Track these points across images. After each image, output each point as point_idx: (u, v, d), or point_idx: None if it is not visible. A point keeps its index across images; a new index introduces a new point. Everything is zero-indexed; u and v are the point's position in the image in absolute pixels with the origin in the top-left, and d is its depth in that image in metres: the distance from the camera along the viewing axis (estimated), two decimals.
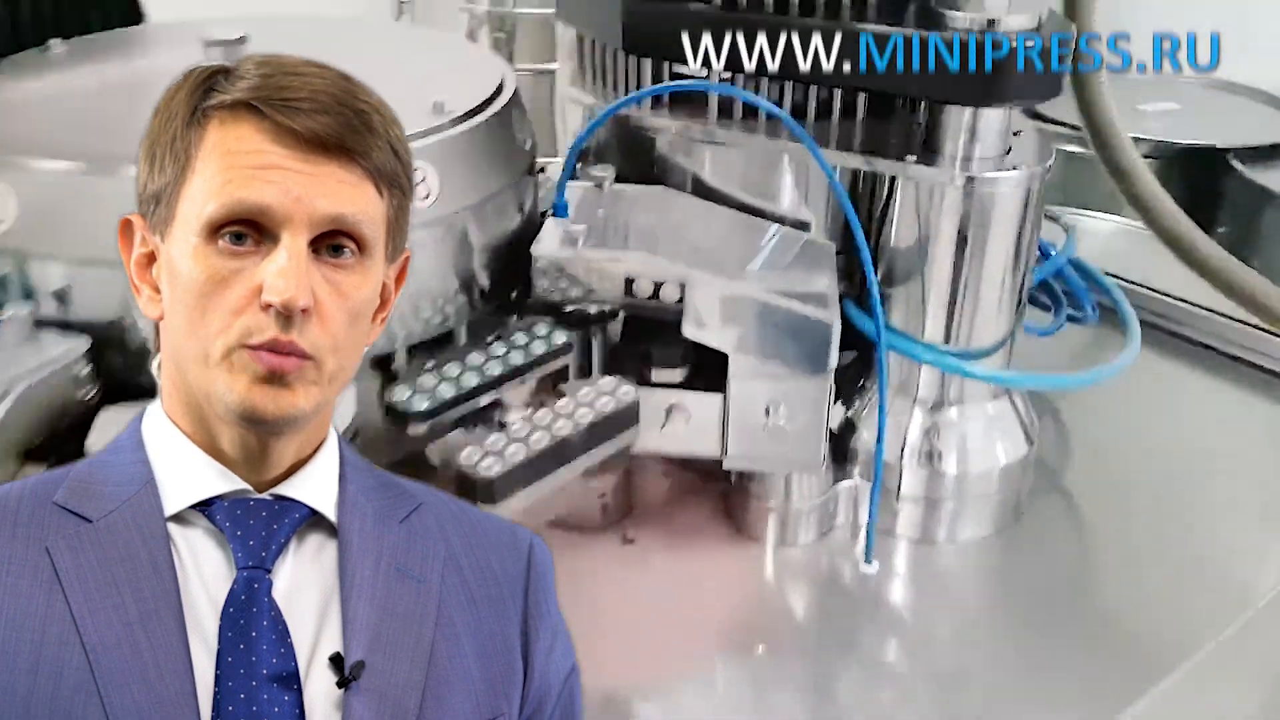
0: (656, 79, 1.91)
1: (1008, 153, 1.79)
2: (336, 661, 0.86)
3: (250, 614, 0.85)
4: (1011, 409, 1.93)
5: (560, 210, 1.81)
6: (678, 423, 1.73)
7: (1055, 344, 2.15)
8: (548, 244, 1.74)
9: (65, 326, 1.45)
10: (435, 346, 1.68)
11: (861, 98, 1.85)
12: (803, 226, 1.90)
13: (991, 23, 1.69)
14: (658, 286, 1.69)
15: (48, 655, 0.81)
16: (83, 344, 1.44)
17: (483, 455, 1.49)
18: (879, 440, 1.78)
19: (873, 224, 1.85)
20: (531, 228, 1.81)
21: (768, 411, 1.72)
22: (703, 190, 1.93)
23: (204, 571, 0.87)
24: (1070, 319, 2.15)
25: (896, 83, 1.74)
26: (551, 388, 1.72)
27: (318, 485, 0.93)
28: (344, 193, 0.85)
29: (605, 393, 1.65)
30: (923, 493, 1.91)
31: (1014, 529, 1.95)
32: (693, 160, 1.93)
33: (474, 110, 1.72)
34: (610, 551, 1.81)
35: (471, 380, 1.59)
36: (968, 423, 1.90)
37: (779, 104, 1.83)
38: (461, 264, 1.71)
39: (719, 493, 1.91)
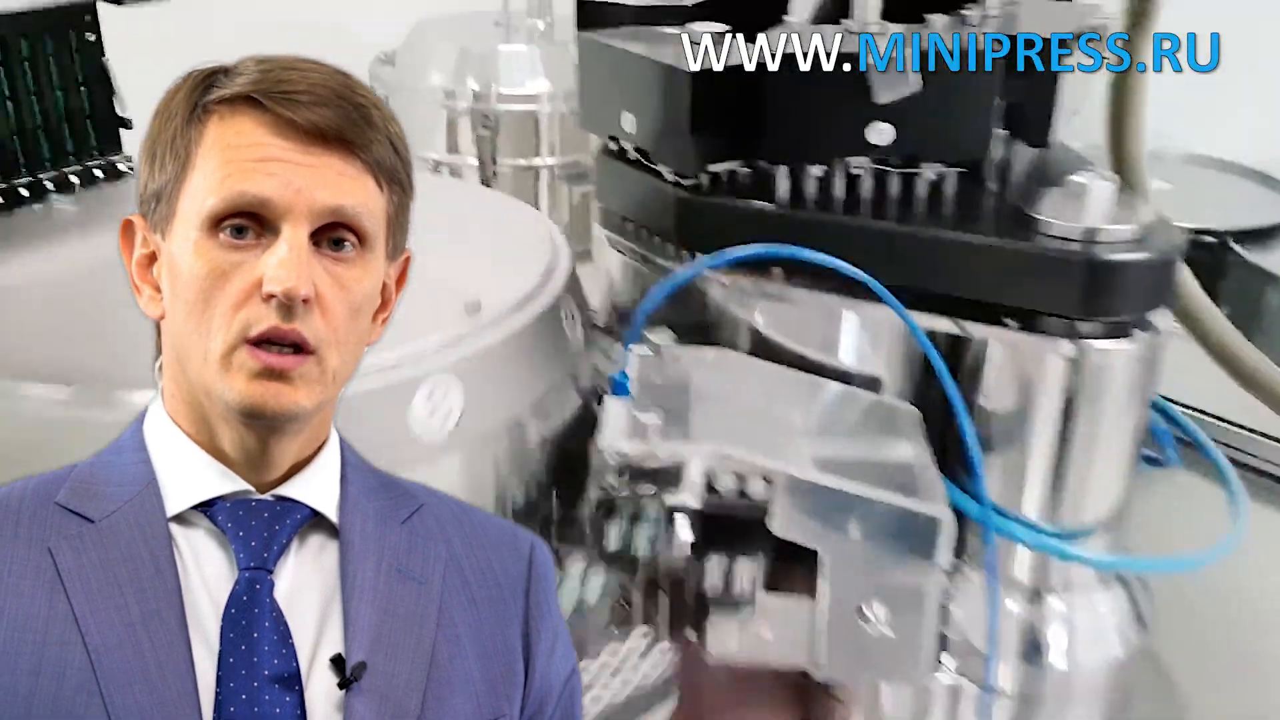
0: None
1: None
2: (338, 662, 0.86)
3: (252, 615, 0.85)
4: (1124, 592, 1.81)
5: (620, 389, 1.66)
6: (760, 629, 1.58)
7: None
8: (614, 435, 1.56)
9: None
10: None
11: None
12: (873, 383, 1.77)
13: (1092, 232, 1.58)
14: (742, 480, 1.55)
15: (50, 656, 0.81)
16: None
17: None
18: (991, 642, 1.65)
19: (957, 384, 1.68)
20: (589, 413, 1.66)
21: (864, 615, 1.59)
22: (759, 342, 1.81)
23: (206, 572, 0.87)
24: (1147, 460, 1.91)
25: (980, 289, 1.63)
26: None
27: (319, 486, 0.93)
28: (344, 185, 0.86)
29: (638, 657, 1.50)
30: (1021, 689, 1.73)
31: None
32: (749, 311, 1.81)
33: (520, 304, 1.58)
34: None
35: None
36: (1075, 612, 1.72)
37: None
38: (519, 470, 1.56)
39: (793, 693, 1.73)
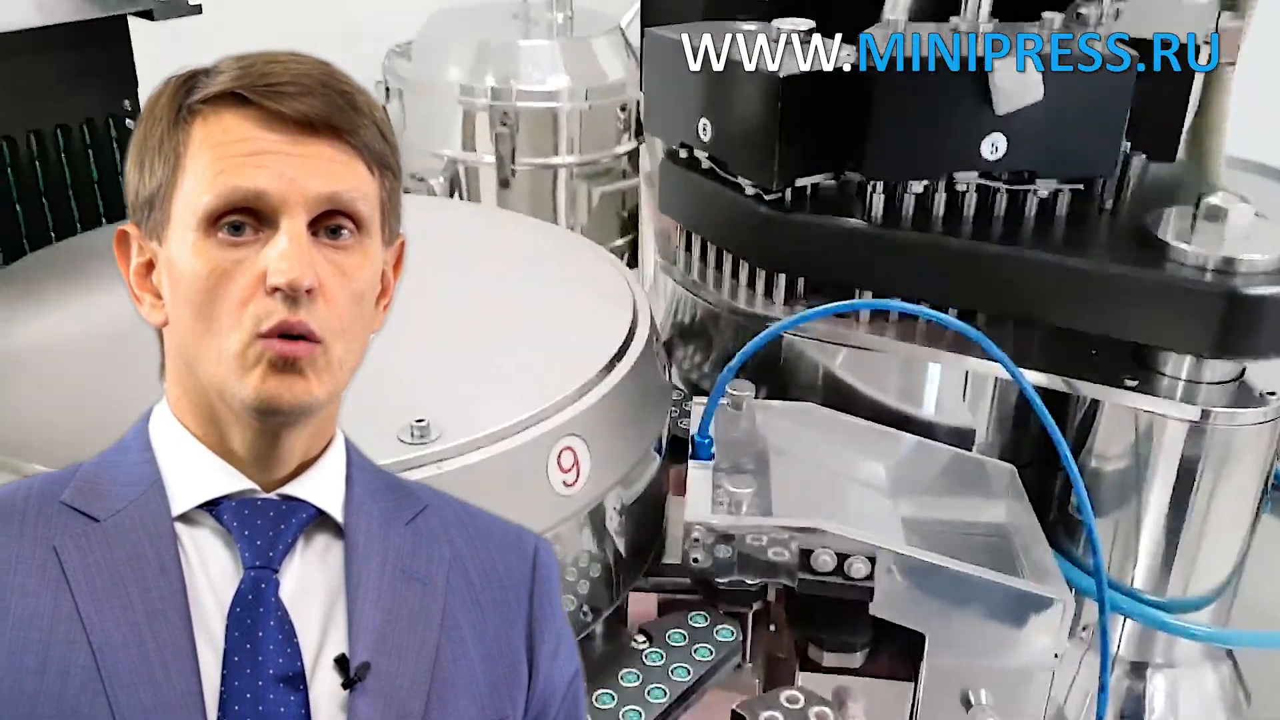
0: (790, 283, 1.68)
1: (1242, 374, 1.51)
2: (342, 663, 0.86)
3: (257, 614, 0.85)
4: (1229, 665, 1.65)
5: (703, 451, 1.54)
6: (855, 716, 1.45)
7: None
8: (701, 507, 1.46)
9: None
10: None
11: None
12: (967, 436, 1.66)
13: (1229, 262, 1.43)
14: (841, 559, 1.41)
15: (55, 655, 0.81)
16: None
17: None
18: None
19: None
20: (661, 475, 1.52)
21: (969, 700, 1.44)
22: (837, 391, 1.70)
23: (211, 571, 0.87)
24: None
25: (1096, 321, 1.50)
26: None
27: (325, 485, 0.93)
28: (336, 172, 0.86)
29: (797, 714, 1.32)
30: None
31: None
32: (827, 357, 1.69)
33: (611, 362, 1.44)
34: None
35: (635, 717, 1.30)
36: (1179, 688, 1.60)
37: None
38: (598, 539, 1.41)
39: None
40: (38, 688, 0.80)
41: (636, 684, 1.34)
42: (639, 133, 2.88)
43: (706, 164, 1.75)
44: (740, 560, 1.42)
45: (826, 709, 1.31)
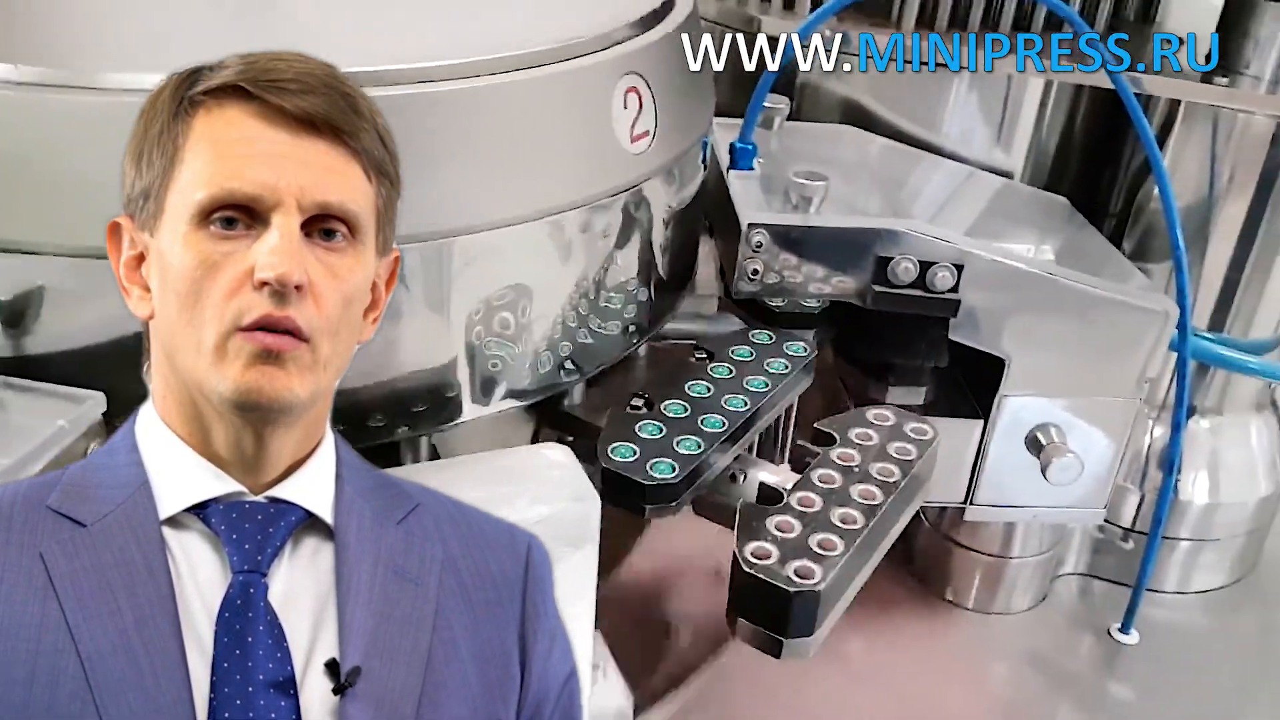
0: None
1: None
2: (333, 667, 0.85)
3: (246, 619, 0.83)
4: (1276, 421, 1.54)
5: (743, 160, 1.34)
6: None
7: None
8: (759, 209, 1.27)
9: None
10: (610, 371, 1.25)
11: None
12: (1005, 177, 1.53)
13: None
14: (924, 268, 1.23)
15: (43, 664, 0.80)
16: (99, 405, 1.17)
17: (785, 554, 1.05)
18: (1169, 473, 1.34)
19: (1120, 178, 1.46)
20: (703, 188, 1.35)
21: (1038, 442, 1.26)
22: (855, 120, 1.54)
23: (199, 576, 0.86)
24: None
25: None
26: (789, 421, 1.31)
27: (314, 487, 0.91)
28: (334, 175, 0.85)
29: (890, 430, 1.18)
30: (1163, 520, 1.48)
31: (1253, 579, 1.55)
32: (851, 88, 1.53)
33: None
34: None
35: (716, 425, 1.15)
36: (1222, 441, 1.50)
37: None
38: (644, 243, 1.23)
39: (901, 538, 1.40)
40: (27, 698, 0.79)
41: (708, 395, 1.22)
42: None
43: None
44: (804, 274, 1.24)
45: (924, 425, 1.18)
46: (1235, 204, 1.41)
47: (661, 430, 1.14)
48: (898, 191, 1.41)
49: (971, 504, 1.32)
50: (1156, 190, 1.41)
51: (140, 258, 0.89)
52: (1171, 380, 1.49)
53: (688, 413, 1.18)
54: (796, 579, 1.00)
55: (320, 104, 0.84)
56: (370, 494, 0.94)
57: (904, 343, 1.30)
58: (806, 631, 1.01)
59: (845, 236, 1.23)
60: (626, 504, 1.10)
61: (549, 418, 1.25)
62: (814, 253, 1.23)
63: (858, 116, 1.54)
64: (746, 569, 1.02)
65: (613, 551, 1.23)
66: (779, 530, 1.06)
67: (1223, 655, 1.49)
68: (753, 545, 1.03)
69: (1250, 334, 1.48)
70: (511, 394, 1.20)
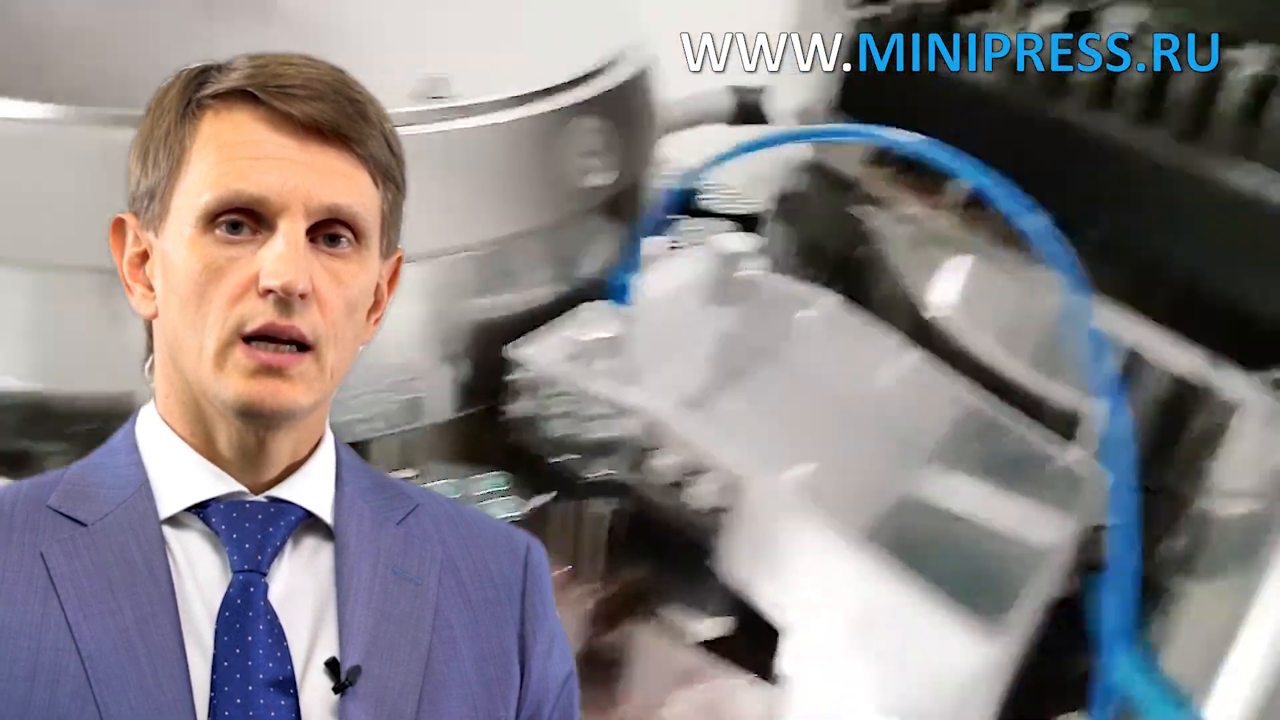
0: None
1: None
2: (333, 667, 0.86)
3: (246, 618, 0.85)
4: None
5: (617, 290, 1.21)
6: None
7: None
8: (544, 347, 1.16)
9: None
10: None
11: None
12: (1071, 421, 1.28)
13: None
14: (689, 473, 1.08)
15: (44, 663, 0.81)
16: None
17: None
18: None
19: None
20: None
21: None
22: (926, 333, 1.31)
23: (199, 575, 0.87)
24: None
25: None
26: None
27: (314, 487, 0.93)
28: (340, 181, 0.86)
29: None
30: None
31: None
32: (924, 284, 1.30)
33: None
34: None
35: None
36: None
37: None
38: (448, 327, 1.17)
39: None
40: (28, 697, 0.80)
41: None
42: None
43: None
44: (564, 433, 1.13)
45: None
46: None
47: None
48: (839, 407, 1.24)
49: None
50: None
51: (144, 255, 0.90)
52: None
53: None
54: None
55: (328, 110, 0.85)
56: (370, 494, 0.96)
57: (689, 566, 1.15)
58: None
59: (602, 401, 1.12)
60: None
61: None
62: (578, 409, 1.13)
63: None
64: None
65: None
66: None
67: None
68: None
69: None
70: None
